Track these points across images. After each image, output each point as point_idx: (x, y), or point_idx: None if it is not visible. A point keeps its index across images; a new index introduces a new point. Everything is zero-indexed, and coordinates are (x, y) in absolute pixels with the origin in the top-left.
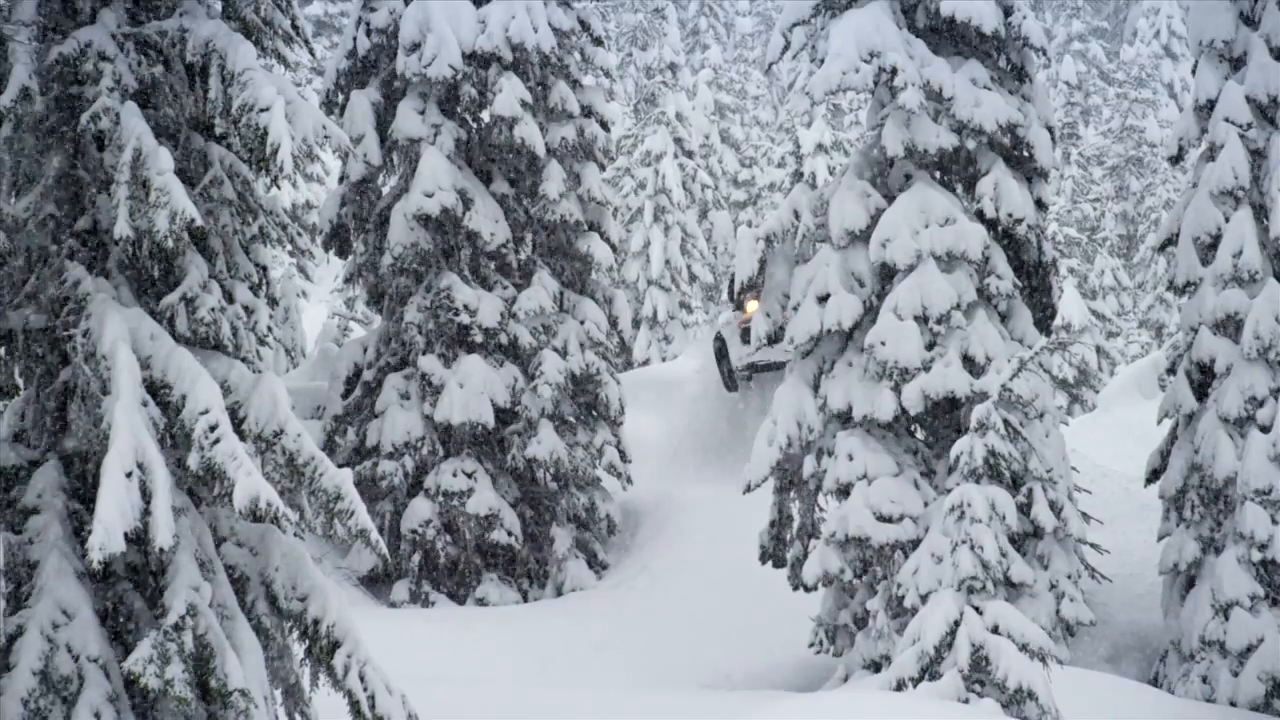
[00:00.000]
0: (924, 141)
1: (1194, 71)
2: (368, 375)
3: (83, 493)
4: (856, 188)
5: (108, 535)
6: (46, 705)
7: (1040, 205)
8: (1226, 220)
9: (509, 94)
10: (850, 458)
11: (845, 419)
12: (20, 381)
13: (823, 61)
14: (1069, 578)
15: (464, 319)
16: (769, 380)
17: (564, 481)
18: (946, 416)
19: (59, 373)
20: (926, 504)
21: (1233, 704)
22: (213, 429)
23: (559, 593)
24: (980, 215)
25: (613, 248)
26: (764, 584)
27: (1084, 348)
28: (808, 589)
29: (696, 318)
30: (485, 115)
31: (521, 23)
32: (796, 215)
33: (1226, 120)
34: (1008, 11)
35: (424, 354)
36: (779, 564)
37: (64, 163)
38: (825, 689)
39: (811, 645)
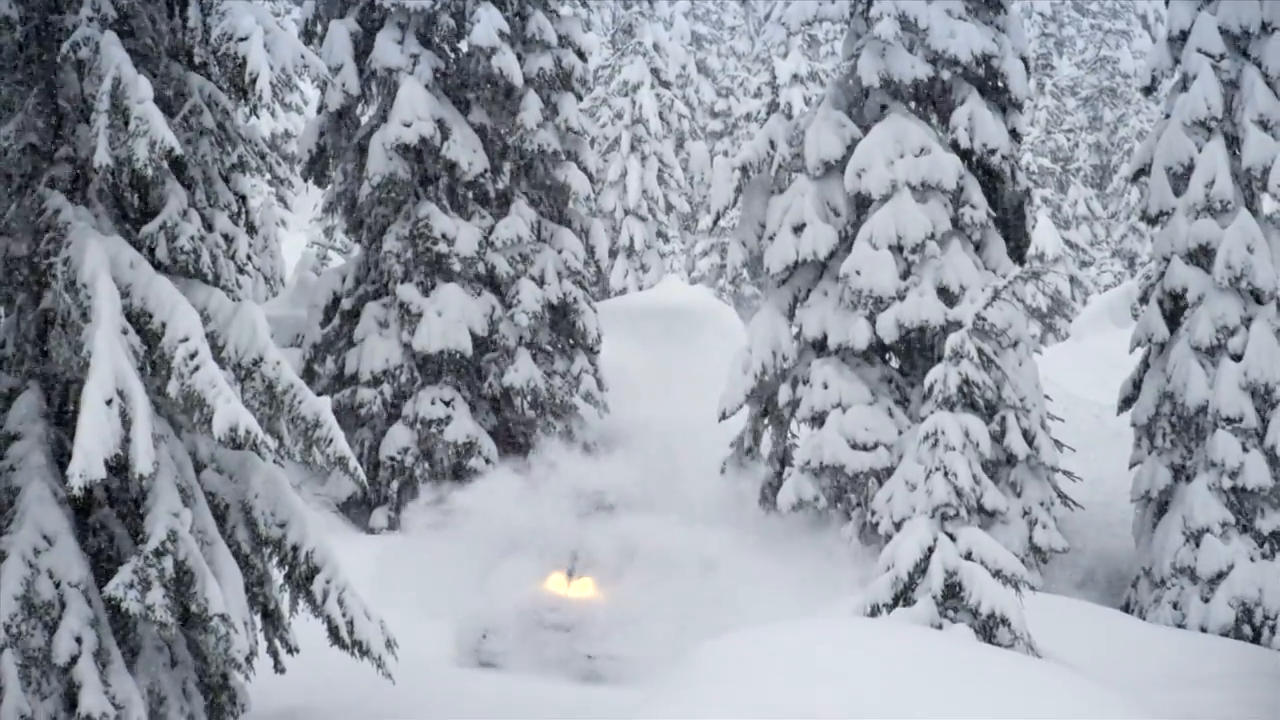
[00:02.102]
0: (899, 72)
1: (1167, 2)
2: (346, 304)
3: (64, 419)
4: (832, 118)
5: (88, 462)
6: (29, 629)
7: (1014, 135)
8: (1199, 150)
9: (487, 24)
10: (825, 386)
11: (820, 347)
12: (1, 309)
13: None
14: (1042, 505)
15: (442, 248)
16: None
17: (541, 409)
18: (921, 345)
19: (40, 300)
20: (900, 432)
21: (1203, 629)
22: (192, 357)
23: None
24: (955, 146)
25: (590, 177)
26: (738, 511)
27: (1057, 277)
28: (781, 514)
29: (673, 247)
30: (463, 45)
31: None
32: (772, 145)
33: (1199, 51)
34: None
35: (402, 283)
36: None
37: (44, 92)
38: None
39: None
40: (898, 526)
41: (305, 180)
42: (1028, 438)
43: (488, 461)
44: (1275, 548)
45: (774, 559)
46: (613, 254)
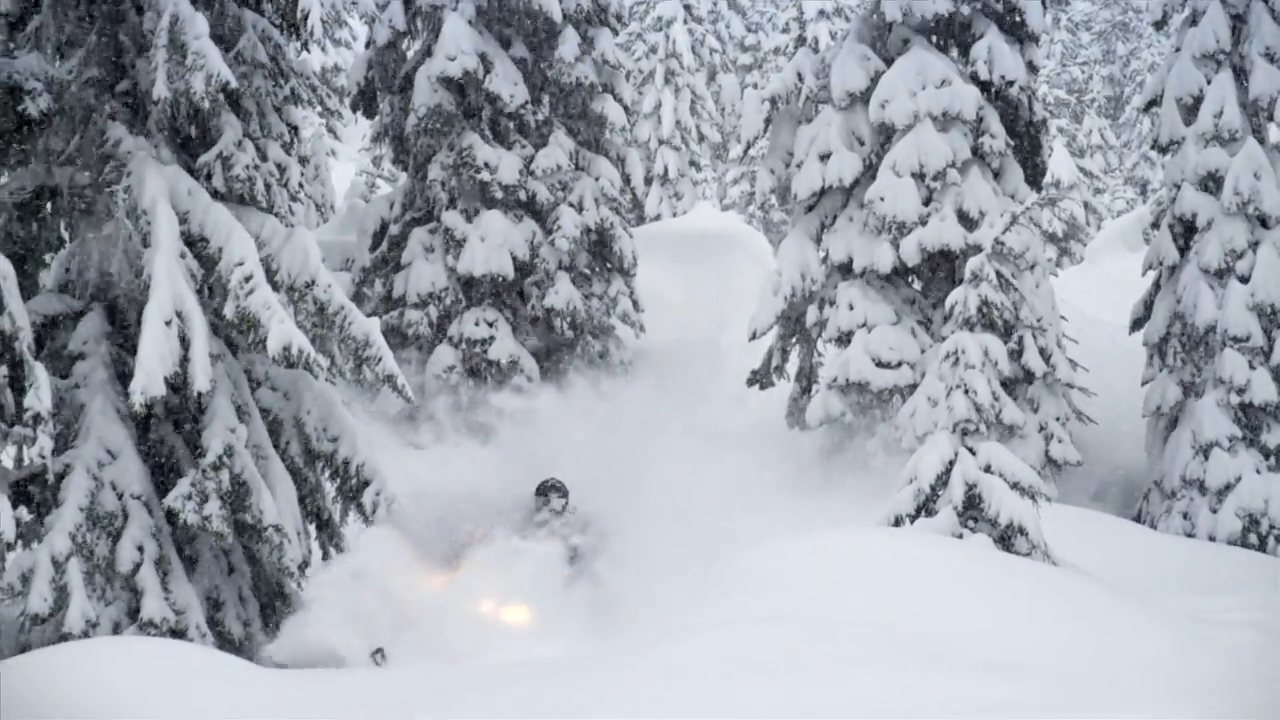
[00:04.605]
0: (921, 7)
1: None
2: (394, 230)
3: (125, 340)
4: (857, 51)
5: (149, 380)
6: (93, 539)
7: (1031, 68)
8: (1208, 82)
9: None
10: (851, 307)
11: (846, 270)
12: (66, 235)
13: None
14: (1057, 420)
15: (485, 176)
16: None
17: (580, 330)
18: (942, 268)
19: (102, 227)
20: (923, 351)
21: (1211, 538)
22: (247, 279)
23: None
24: (974, 78)
25: (625, 109)
26: (764, 429)
27: (1072, 203)
28: (808, 428)
29: (705, 175)
30: None
31: None
32: (800, 78)
33: None
34: None
35: (447, 209)
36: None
37: (105, 28)
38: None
39: None
40: (920, 440)
41: (354, 112)
42: (1044, 356)
43: (529, 379)
44: None
45: (796, 484)
46: (648, 182)
